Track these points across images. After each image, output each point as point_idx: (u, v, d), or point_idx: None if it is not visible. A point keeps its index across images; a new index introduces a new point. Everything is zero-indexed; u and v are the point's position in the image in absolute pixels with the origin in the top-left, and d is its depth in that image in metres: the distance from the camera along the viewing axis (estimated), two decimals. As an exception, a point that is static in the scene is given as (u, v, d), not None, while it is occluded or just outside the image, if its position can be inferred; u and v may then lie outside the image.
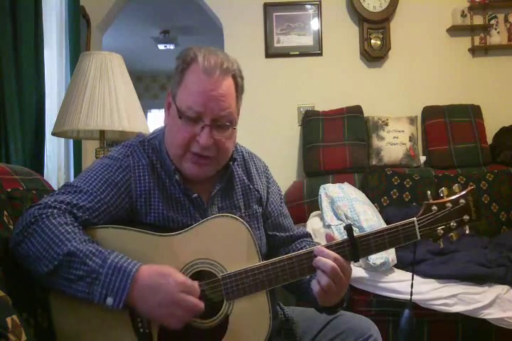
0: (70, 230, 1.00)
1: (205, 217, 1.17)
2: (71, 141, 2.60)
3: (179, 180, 1.17)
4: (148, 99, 7.23)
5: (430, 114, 3.14)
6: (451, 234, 1.10)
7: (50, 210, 1.03)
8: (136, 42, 5.84)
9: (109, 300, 0.95)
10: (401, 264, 2.20)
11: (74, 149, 2.60)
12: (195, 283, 1.01)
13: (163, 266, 1.01)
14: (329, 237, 1.11)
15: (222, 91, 1.11)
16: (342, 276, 1.05)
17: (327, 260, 1.05)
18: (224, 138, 1.15)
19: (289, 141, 3.23)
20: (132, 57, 5.60)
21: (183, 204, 1.18)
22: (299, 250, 1.29)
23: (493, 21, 3.21)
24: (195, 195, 1.18)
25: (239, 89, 1.17)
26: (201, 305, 0.99)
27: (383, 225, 2.24)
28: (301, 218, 2.66)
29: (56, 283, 0.99)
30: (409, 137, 3.05)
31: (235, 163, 1.28)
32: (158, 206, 1.15)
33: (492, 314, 2.04)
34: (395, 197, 2.76)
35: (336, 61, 3.27)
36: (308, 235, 1.38)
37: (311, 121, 3.05)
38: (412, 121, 3.11)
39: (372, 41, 3.19)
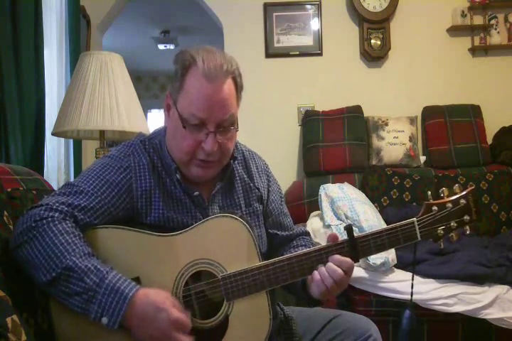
0: (70, 241, 1.00)
1: (206, 215, 1.17)
2: (71, 141, 2.60)
3: (180, 179, 1.17)
4: (148, 99, 7.23)
5: (430, 114, 3.14)
6: (452, 234, 1.10)
7: (51, 214, 1.03)
8: (136, 42, 5.83)
9: (105, 320, 0.95)
10: (401, 264, 2.20)
11: (74, 149, 2.60)
12: (188, 320, 1.00)
13: (159, 294, 0.99)
14: (334, 237, 1.11)
15: (224, 95, 1.10)
16: (347, 282, 1.08)
17: (338, 269, 1.07)
18: (226, 140, 1.15)
19: (289, 141, 3.23)
20: (132, 57, 5.59)
21: (184, 203, 1.18)
22: (297, 246, 1.29)
23: (493, 21, 3.22)
24: (196, 193, 1.18)
25: (238, 88, 1.17)
26: None
27: (383, 225, 2.24)
28: (301, 218, 2.66)
29: (54, 294, 1.00)
30: (409, 137, 3.05)
31: (236, 162, 1.28)
32: (159, 206, 1.15)
33: (492, 314, 2.04)
34: (395, 197, 2.76)
35: (336, 61, 3.27)
36: (307, 233, 1.39)
37: (311, 121, 3.05)
38: (412, 121, 3.11)
39: (372, 41, 3.19)
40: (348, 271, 1.07)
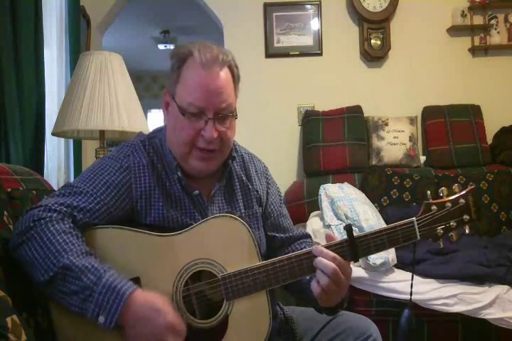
0: (67, 240, 1.00)
1: (205, 215, 1.17)
2: (71, 141, 2.60)
3: (181, 176, 1.17)
4: (148, 99, 7.23)
5: (430, 114, 3.14)
6: (451, 233, 1.10)
7: (49, 214, 1.03)
8: (136, 42, 5.83)
9: (101, 319, 0.94)
10: (401, 264, 2.20)
11: (74, 149, 2.60)
12: (183, 326, 0.99)
13: (158, 297, 0.98)
14: (329, 237, 1.11)
15: (221, 84, 1.12)
16: (341, 277, 1.05)
17: (326, 261, 1.05)
18: (226, 129, 1.16)
19: (289, 141, 3.23)
20: (132, 57, 5.59)
21: (183, 202, 1.18)
22: (298, 251, 1.29)
23: (493, 21, 3.21)
24: (197, 191, 1.19)
25: (235, 78, 1.19)
26: None
27: (383, 225, 2.23)
28: (301, 218, 2.66)
29: (52, 294, 0.99)
30: (409, 137, 3.05)
31: (234, 162, 1.28)
32: (158, 206, 1.15)
33: (492, 314, 2.03)
34: (395, 197, 2.76)
35: (336, 61, 3.27)
36: (307, 236, 1.38)
37: (311, 121, 3.05)
38: (412, 121, 3.11)
39: (372, 41, 3.19)
40: (340, 266, 1.05)
